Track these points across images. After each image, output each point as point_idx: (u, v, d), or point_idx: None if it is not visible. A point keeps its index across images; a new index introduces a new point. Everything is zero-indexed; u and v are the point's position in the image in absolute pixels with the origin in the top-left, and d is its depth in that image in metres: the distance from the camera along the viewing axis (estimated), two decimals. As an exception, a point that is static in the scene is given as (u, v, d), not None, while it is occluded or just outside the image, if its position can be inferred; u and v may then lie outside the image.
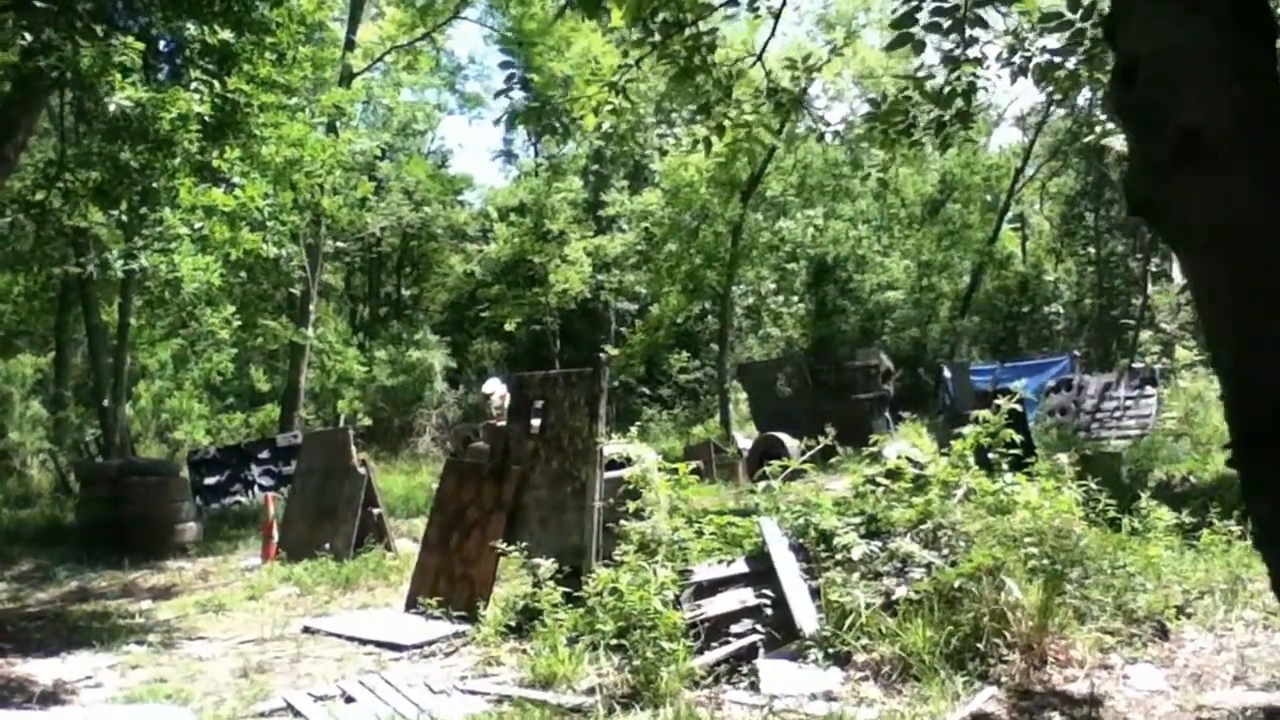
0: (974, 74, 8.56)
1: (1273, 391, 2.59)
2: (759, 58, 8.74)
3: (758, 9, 8.51)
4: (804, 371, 24.95)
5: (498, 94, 7.79)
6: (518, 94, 8.12)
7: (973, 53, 8.44)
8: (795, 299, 34.22)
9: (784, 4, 8.94)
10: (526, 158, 36.24)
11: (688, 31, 8.04)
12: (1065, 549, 7.04)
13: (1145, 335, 30.94)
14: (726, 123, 8.87)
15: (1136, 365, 25.06)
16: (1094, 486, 8.09)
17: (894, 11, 7.77)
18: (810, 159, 26.71)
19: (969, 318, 35.01)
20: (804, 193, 29.43)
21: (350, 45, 24.57)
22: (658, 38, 7.93)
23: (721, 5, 8.39)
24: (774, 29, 9.08)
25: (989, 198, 35.93)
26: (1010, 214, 36.36)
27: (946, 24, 7.44)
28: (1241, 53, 2.72)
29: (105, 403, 22.13)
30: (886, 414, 23.21)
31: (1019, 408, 8.41)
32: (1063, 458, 8.50)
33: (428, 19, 25.51)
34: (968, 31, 7.97)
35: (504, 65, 9.50)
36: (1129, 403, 21.54)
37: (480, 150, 74.97)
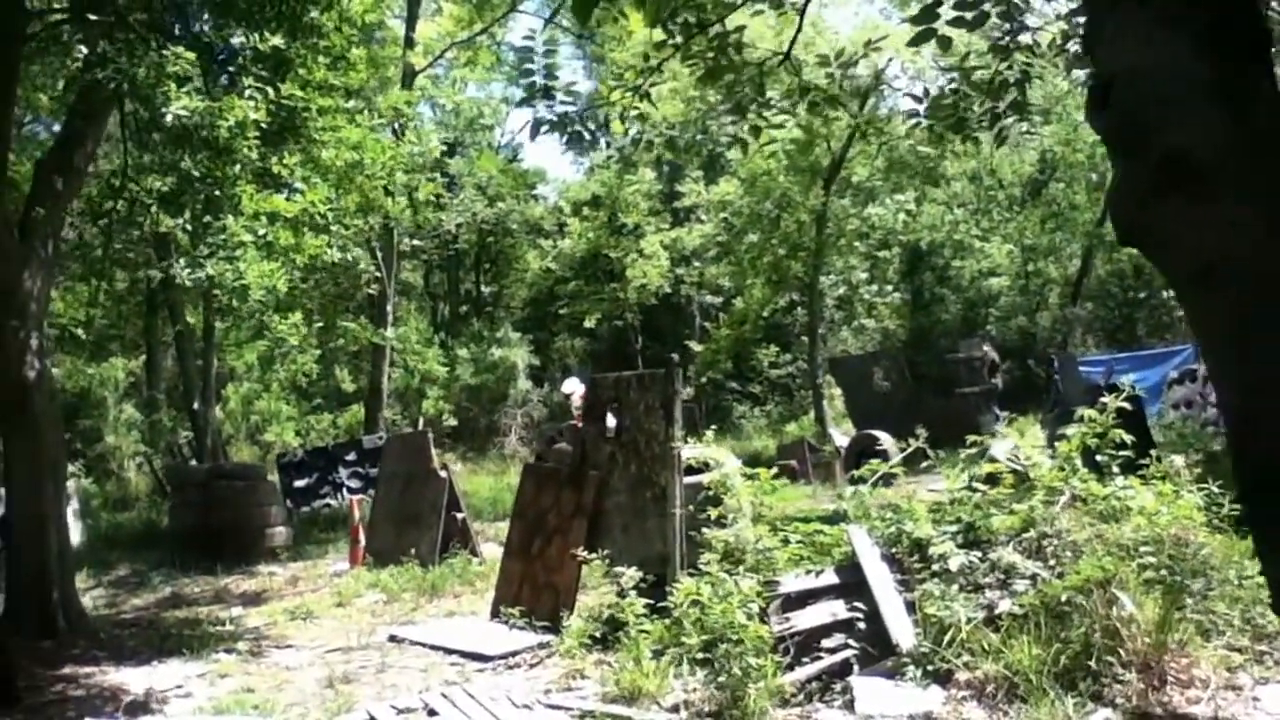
0: (1027, 63, 8.16)
1: None
2: (787, 55, 8.40)
3: (782, 6, 8.17)
4: (902, 365, 24.52)
5: (519, 103, 7.63)
6: (541, 103, 7.82)
7: (1025, 40, 8.07)
8: (890, 288, 33.42)
9: (808, 0, 8.62)
10: (598, 149, 36.15)
11: (712, 31, 7.75)
12: (1185, 558, 6.63)
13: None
14: (761, 123, 8.55)
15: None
16: (1217, 489, 7.59)
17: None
18: (895, 142, 26.16)
19: (1081, 305, 33.96)
20: (891, 177, 28.79)
21: (410, 43, 24.65)
22: (680, 39, 7.64)
23: (744, 2, 8.08)
24: (799, 26, 8.74)
25: (1094, 176, 34.77)
26: (1120, 193, 35.20)
27: (970, 16, 7.05)
28: (1224, 74, 2.51)
29: (195, 405, 22.49)
30: (995, 409, 22.57)
31: (1129, 405, 7.95)
32: (1178, 459, 8.05)
33: (485, 14, 25.46)
34: (1016, 20, 7.63)
35: (523, 74, 9.24)
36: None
37: (551, 143, 75.28)
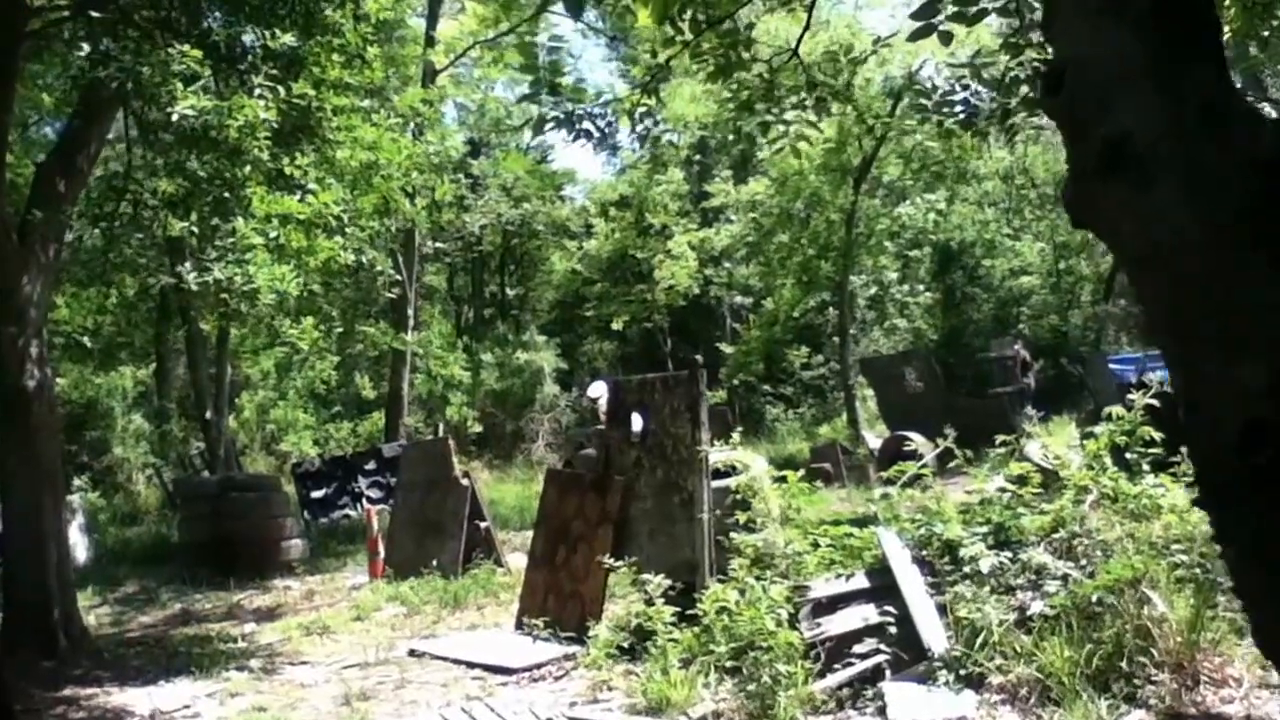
0: (1037, 60, 8.32)
1: (1230, 426, 2.43)
2: (794, 52, 8.57)
3: (792, 3, 8.35)
4: (933, 365, 24.55)
5: (520, 99, 7.74)
6: (546, 99, 7.94)
7: (1036, 36, 8.22)
8: (921, 288, 33.57)
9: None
10: (630, 150, 36.24)
11: (721, 28, 7.92)
12: (1216, 556, 6.76)
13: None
14: (769, 119, 8.72)
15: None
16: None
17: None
18: (924, 141, 26.29)
19: (1113, 302, 34.02)
20: (921, 176, 28.92)
21: (431, 42, 24.79)
22: (689, 36, 7.81)
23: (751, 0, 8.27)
24: (808, 23, 8.91)
25: (1126, 172, 34.88)
26: (1149, 188, 35.16)
27: (970, 12, 7.23)
28: (1162, 59, 2.60)
29: (208, 415, 22.56)
30: (1029, 409, 22.66)
31: (1158, 403, 8.10)
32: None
33: (511, 13, 25.65)
34: (1027, 16, 7.76)
35: (525, 69, 9.26)
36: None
37: (582, 143, 74.96)
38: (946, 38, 7.42)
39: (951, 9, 7.17)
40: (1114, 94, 2.65)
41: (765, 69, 8.48)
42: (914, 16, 7.41)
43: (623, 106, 8.64)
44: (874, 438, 23.20)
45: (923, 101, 9.29)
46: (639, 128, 8.98)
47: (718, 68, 8.15)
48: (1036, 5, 7.92)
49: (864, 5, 29.68)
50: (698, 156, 35.69)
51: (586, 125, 8.29)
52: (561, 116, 8.10)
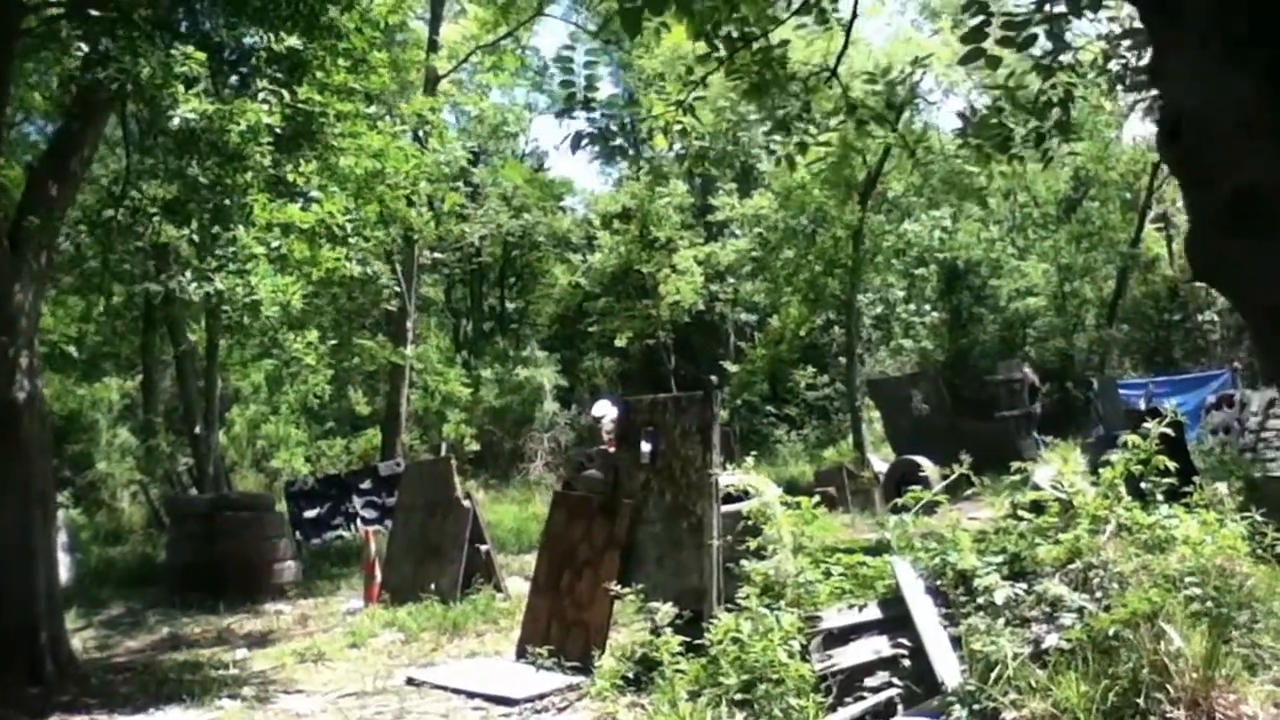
0: (1070, 82, 8.46)
1: None
2: (833, 72, 8.71)
3: (828, 21, 8.49)
4: (941, 387, 24.69)
5: (559, 114, 7.80)
6: (580, 115, 8.08)
7: (1066, 59, 8.36)
8: (928, 307, 33.73)
9: (855, 16, 8.93)
10: (636, 163, 36.33)
11: (755, 45, 8.05)
12: (1230, 590, 6.89)
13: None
14: (808, 139, 8.84)
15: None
16: (1260, 518, 7.90)
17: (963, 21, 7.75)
18: (931, 157, 26.45)
19: (1117, 326, 34.24)
20: (926, 192, 29.07)
21: (434, 46, 24.87)
22: (723, 53, 7.95)
23: (789, 17, 8.38)
24: (846, 42, 9.02)
25: (1128, 195, 35.13)
26: (1153, 213, 35.31)
27: (1020, 38, 7.39)
28: None
29: (196, 430, 22.47)
30: (1035, 434, 22.83)
31: (1171, 431, 8.24)
32: (1221, 487, 8.30)
33: (510, 17, 25.79)
34: (1059, 39, 7.91)
35: (564, 84, 9.34)
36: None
37: (578, 152, 74.95)
38: (995, 62, 7.57)
39: (1000, 33, 7.32)
40: (1240, 144, 2.65)
41: (801, 88, 8.60)
42: (964, 40, 7.55)
43: (657, 123, 8.75)
44: (879, 461, 23.29)
45: (960, 125, 9.42)
46: (676, 145, 9.12)
47: (752, 86, 8.27)
48: (1066, 26, 8.09)
49: (859, 15, 29.77)
50: (700, 168, 35.72)
51: (620, 142, 8.40)
52: (596, 131, 8.21)
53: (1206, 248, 2.80)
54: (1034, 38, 7.55)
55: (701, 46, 7.98)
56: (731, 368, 31.28)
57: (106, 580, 17.41)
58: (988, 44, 7.36)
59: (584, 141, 8.20)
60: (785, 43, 8.29)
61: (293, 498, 20.38)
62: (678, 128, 8.75)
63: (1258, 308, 2.73)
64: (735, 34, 7.87)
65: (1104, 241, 34.45)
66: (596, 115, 8.23)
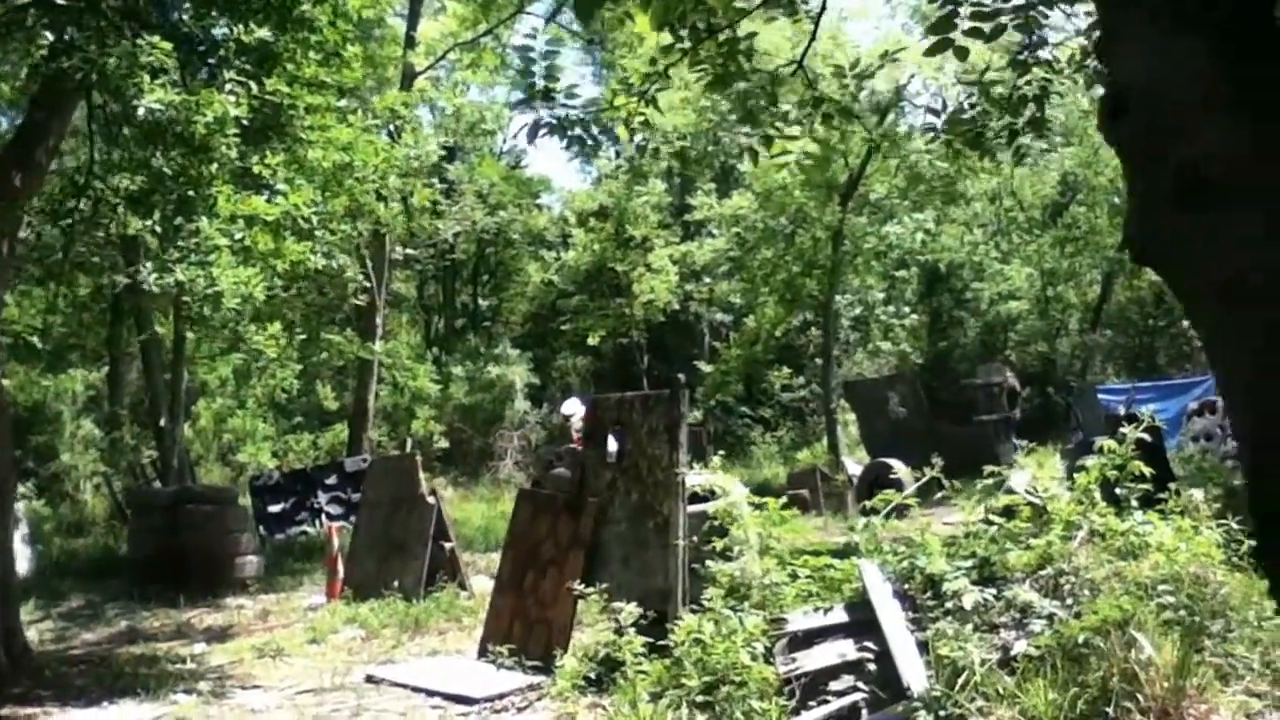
0: (1046, 78, 8.40)
1: None
2: (800, 64, 8.63)
3: (796, 14, 8.40)
4: (919, 390, 24.68)
5: (516, 104, 7.74)
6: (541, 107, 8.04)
7: (1043, 55, 8.31)
8: (907, 309, 33.77)
9: (824, 7, 8.85)
10: (606, 159, 36.29)
11: (721, 36, 7.97)
12: (1204, 598, 6.82)
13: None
14: (772, 132, 8.77)
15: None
16: (1236, 525, 7.82)
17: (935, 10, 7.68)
18: (915, 159, 26.46)
19: (1101, 332, 34.34)
20: (909, 195, 29.08)
21: (411, 42, 24.79)
22: (688, 44, 7.86)
23: (756, 8, 8.31)
24: (814, 34, 8.96)
25: (1116, 200, 35.17)
26: (1139, 218, 35.32)
27: (988, 29, 7.30)
28: (1239, 79, 2.54)
29: (162, 422, 22.33)
30: (1014, 439, 22.83)
31: (1148, 437, 8.18)
32: (1196, 493, 8.24)
33: (490, 14, 25.72)
34: (1035, 34, 7.86)
35: (523, 74, 9.27)
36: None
37: (557, 151, 75.25)
38: (963, 53, 7.49)
39: (968, 24, 7.23)
40: (1189, 118, 2.58)
41: (767, 80, 8.53)
42: (930, 30, 7.47)
43: (619, 114, 8.67)
44: (854, 464, 23.26)
45: (931, 119, 9.35)
46: (637, 137, 9.03)
47: (716, 77, 8.19)
48: (1045, 23, 8.02)
49: (849, 17, 29.94)
50: (679, 167, 35.76)
51: (579, 132, 8.32)
52: (555, 122, 8.13)
53: (1154, 226, 2.71)
54: (1002, 28, 7.47)
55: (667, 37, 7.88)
56: (706, 368, 31.18)
57: (68, 572, 17.32)
58: (956, 35, 7.27)
59: (542, 132, 8.12)
60: (752, 35, 8.20)
61: (257, 492, 20.28)
62: (640, 119, 8.64)
63: (1209, 285, 2.62)
64: (701, 25, 7.76)
65: (1090, 246, 34.49)
66: (556, 105, 8.13)
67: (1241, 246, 2.48)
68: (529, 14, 28.73)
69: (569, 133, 8.25)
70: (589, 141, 8.52)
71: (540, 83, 8.00)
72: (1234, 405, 2.69)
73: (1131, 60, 2.78)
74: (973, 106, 8.73)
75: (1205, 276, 2.62)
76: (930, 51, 7.66)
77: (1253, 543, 7.39)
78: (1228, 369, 2.70)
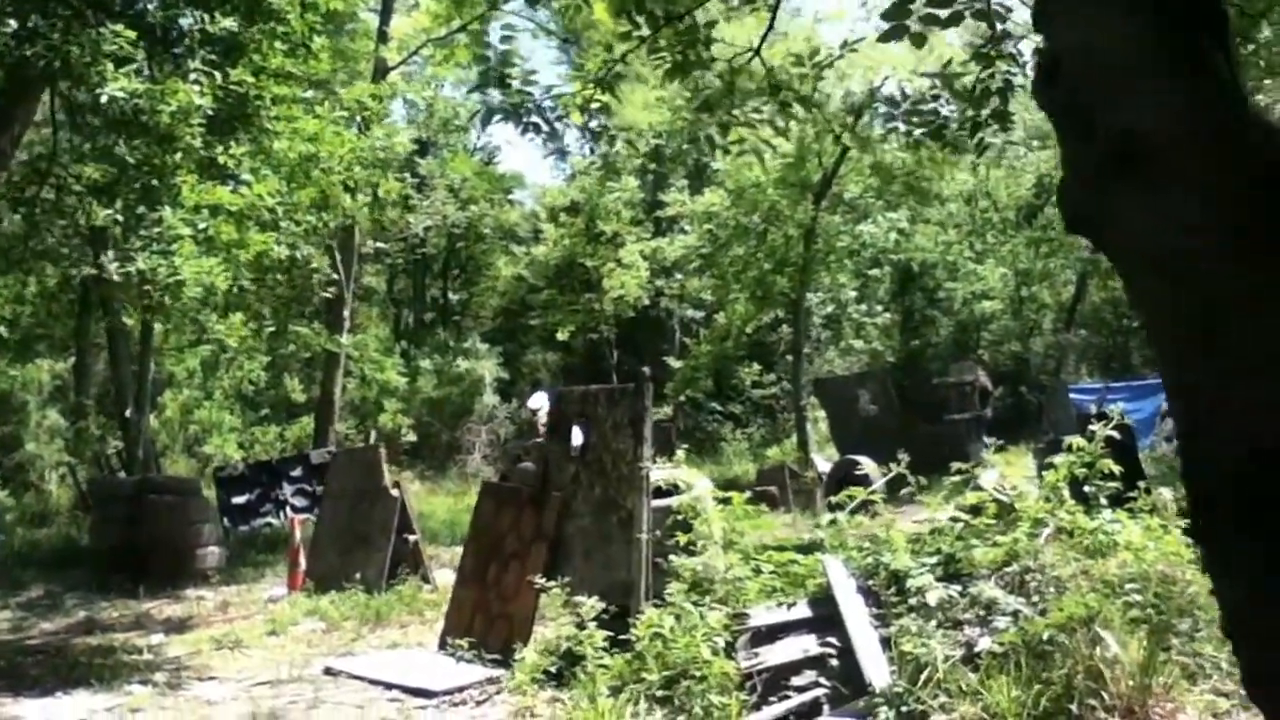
0: (1010, 71, 8.35)
1: (1234, 452, 2.31)
2: (757, 52, 8.56)
3: (755, 3, 8.33)
4: (889, 388, 24.65)
5: (470, 90, 7.66)
6: (494, 91, 7.97)
7: (1007, 49, 8.25)
8: (880, 308, 33.83)
9: None
10: (580, 156, 36.26)
11: (682, 25, 7.89)
12: (1172, 597, 6.76)
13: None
14: (730, 119, 8.70)
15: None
16: (1205, 524, 7.77)
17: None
18: (890, 159, 26.44)
19: (1074, 331, 34.45)
20: (884, 195, 29.07)
21: (383, 37, 24.75)
22: (646, 31, 7.77)
23: None
24: (772, 21, 8.89)
25: (1092, 201, 35.29)
26: (1114, 219, 35.54)
27: (944, 15, 7.22)
28: (1174, 48, 2.47)
29: (128, 413, 22.22)
30: (985, 437, 22.81)
31: (1118, 435, 8.13)
32: (1166, 493, 8.20)
33: (463, 10, 25.62)
34: (997, 26, 7.79)
35: (479, 59, 9.27)
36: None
37: (531, 148, 75.30)
38: (920, 40, 7.40)
39: (924, 10, 7.14)
40: (1122, 85, 2.52)
41: (726, 69, 8.45)
42: (885, 16, 7.39)
43: (574, 100, 8.57)
44: (824, 461, 23.20)
45: (890, 110, 9.28)
46: (592, 123, 8.96)
47: (675, 65, 8.10)
48: (1006, 15, 7.95)
49: (823, 19, 29.98)
50: (652, 165, 35.67)
51: (535, 119, 8.23)
52: (509, 108, 8.04)
53: (1087, 196, 2.62)
54: (960, 16, 7.39)
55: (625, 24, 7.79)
56: (676, 363, 31.10)
57: (30, 562, 17.25)
58: (911, 21, 7.19)
59: (496, 117, 8.03)
60: (712, 23, 8.11)
61: (222, 483, 20.06)
62: (596, 105, 8.56)
63: (1143, 256, 2.53)
64: (659, 13, 7.66)
65: (1064, 247, 34.57)
66: (511, 91, 8.04)
67: (1175, 218, 2.41)
68: (504, 11, 28.67)
69: (525, 118, 8.16)
70: (544, 128, 8.41)
71: (495, 68, 7.91)
72: (1167, 385, 2.59)
73: (1066, 26, 2.73)
74: (935, 99, 8.66)
75: (1139, 249, 2.56)
76: (885, 38, 7.57)
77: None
78: (1160, 344, 2.62)
